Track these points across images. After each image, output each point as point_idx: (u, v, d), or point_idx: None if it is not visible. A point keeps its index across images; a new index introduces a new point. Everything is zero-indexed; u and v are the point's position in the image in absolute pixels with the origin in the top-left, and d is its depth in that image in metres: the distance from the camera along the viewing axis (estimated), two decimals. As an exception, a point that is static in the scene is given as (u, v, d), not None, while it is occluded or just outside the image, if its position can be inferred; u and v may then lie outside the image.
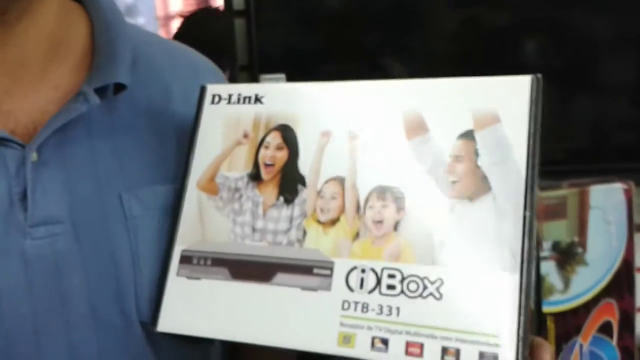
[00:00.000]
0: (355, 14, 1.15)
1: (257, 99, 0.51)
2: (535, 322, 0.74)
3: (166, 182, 0.52)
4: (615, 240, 0.73)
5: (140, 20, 1.15)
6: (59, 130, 0.48)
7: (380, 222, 0.44)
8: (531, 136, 0.42)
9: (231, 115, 0.51)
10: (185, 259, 0.49)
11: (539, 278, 0.55)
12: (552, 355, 0.42)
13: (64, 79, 0.51)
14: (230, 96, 0.52)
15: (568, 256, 0.78)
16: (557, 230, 0.78)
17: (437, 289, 0.42)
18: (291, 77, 1.07)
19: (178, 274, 0.48)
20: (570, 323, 0.75)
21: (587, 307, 0.75)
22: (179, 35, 1.39)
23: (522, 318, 0.39)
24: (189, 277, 0.48)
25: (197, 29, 1.36)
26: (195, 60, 0.61)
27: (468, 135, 0.44)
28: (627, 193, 0.72)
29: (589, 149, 1.14)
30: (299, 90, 0.50)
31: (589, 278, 0.77)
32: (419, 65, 1.12)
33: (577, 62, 1.12)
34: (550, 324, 0.75)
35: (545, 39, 1.13)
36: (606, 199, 0.76)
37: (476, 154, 0.43)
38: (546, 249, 0.79)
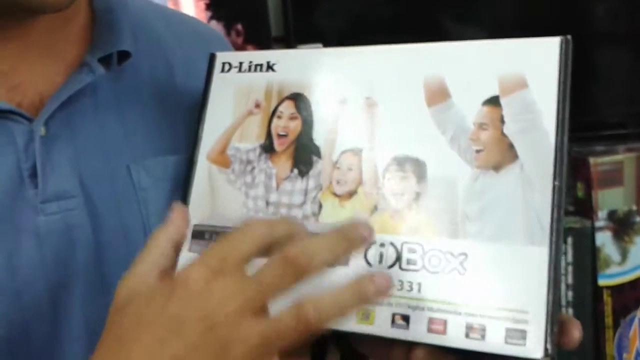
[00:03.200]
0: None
1: (269, 67, 0.50)
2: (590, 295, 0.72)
3: (174, 152, 0.53)
4: (677, 207, 0.72)
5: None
6: (66, 103, 0.49)
7: (400, 194, 0.44)
8: (560, 102, 0.42)
9: (242, 84, 0.51)
10: (198, 234, 0.49)
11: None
12: (581, 332, 0.42)
13: (68, 51, 0.51)
14: (241, 64, 0.51)
15: (625, 226, 0.77)
16: (613, 199, 0.77)
17: (461, 263, 0.42)
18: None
19: (190, 250, 0.48)
20: (628, 296, 0.75)
21: (647, 280, 0.74)
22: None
23: (551, 293, 0.39)
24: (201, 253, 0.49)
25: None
26: (197, 28, 0.61)
27: (493, 101, 0.43)
28: (690, 156, 0.71)
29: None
30: (313, 56, 0.50)
31: (649, 248, 0.75)
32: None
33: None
34: (607, 298, 0.75)
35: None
36: (667, 162, 0.74)
37: (502, 121, 0.43)
38: (601, 218, 0.79)
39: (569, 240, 0.80)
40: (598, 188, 0.80)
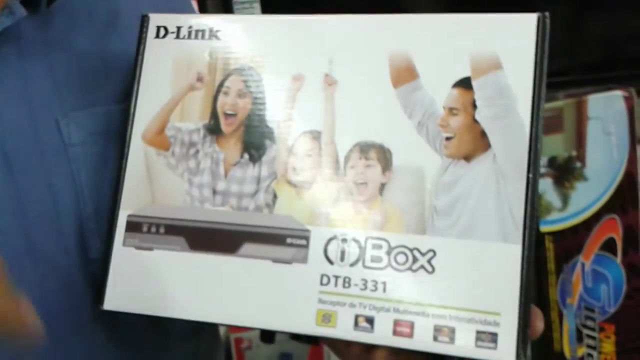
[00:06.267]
0: None
1: (212, 34, 0.47)
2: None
3: (109, 102, 0.50)
4: (616, 152, 0.74)
5: None
6: None
7: (363, 184, 0.43)
8: (537, 85, 0.41)
9: (181, 53, 0.48)
10: (133, 226, 0.47)
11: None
12: (543, 321, 0.43)
13: None
14: (179, 29, 0.48)
15: (566, 172, 0.79)
16: (554, 145, 0.79)
17: (429, 261, 0.42)
18: (267, 3, 1.02)
19: (125, 244, 0.46)
20: (570, 242, 0.78)
21: (588, 225, 0.77)
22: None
23: (524, 294, 0.40)
24: (138, 247, 0.46)
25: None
26: None
27: (465, 84, 0.42)
28: (628, 101, 0.72)
29: (590, 61, 1.16)
30: (264, 23, 0.47)
31: (589, 194, 0.78)
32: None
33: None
34: (549, 244, 0.77)
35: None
36: (605, 108, 0.76)
37: (474, 105, 0.42)
38: (542, 165, 0.81)
39: (510, 187, 0.83)
40: (538, 134, 0.82)
